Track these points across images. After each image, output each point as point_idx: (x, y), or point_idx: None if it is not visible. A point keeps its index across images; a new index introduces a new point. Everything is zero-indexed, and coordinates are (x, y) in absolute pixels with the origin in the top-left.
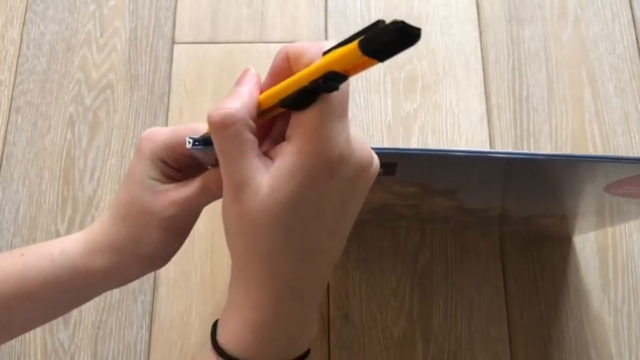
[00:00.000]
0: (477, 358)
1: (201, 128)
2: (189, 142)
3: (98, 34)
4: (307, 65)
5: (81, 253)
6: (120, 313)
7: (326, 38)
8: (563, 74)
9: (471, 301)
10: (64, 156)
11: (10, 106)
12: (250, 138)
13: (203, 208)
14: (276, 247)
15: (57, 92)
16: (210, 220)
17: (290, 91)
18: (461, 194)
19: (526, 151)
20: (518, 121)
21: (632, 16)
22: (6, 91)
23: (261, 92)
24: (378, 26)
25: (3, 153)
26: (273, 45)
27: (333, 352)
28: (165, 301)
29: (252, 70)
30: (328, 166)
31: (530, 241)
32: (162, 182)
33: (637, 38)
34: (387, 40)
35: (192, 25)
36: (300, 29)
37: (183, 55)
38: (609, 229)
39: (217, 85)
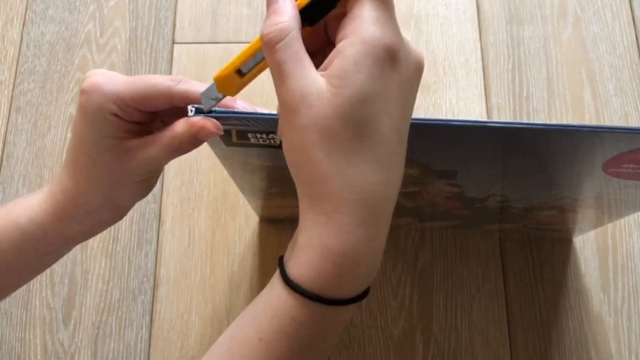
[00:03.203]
0: (477, 358)
1: (157, 80)
2: (192, 111)
3: (98, 34)
4: None
5: (52, 222)
6: (120, 313)
7: None
8: (563, 74)
9: (470, 301)
10: (64, 156)
11: (10, 106)
12: (303, 47)
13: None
14: (350, 153)
15: (57, 92)
16: (210, 219)
17: None
18: (460, 177)
19: (524, 121)
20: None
21: (632, 16)
22: (6, 91)
23: None
24: None
25: (3, 153)
26: None
27: (332, 352)
28: (166, 301)
29: None
30: (391, 53)
31: (530, 241)
32: (121, 138)
33: (637, 38)
34: None
35: (192, 25)
36: None
37: (184, 55)
38: (609, 230)
39: None
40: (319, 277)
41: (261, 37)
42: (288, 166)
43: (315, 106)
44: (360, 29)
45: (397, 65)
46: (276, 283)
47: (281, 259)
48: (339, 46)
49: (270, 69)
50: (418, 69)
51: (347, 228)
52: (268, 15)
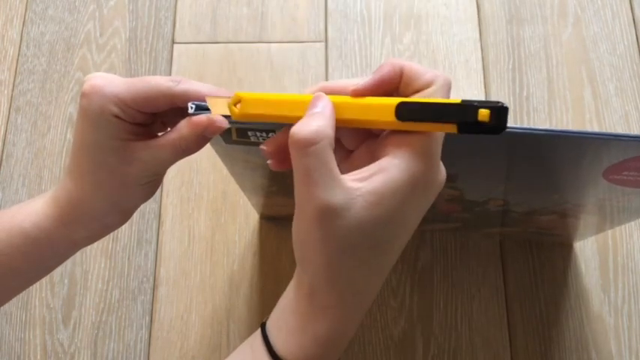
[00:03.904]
0: (477, 358)
1: (157, 81)
2: (192, 108)
3: (98, 34)
4: (420, 88)
5: (57, 227)
6: (120, 313)
7: (326, 38)
8: (563, 74)
9: (470, 301)
10: (63, 156)
11: (10, 106)
12: (333, 156)
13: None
14: (362, 261)
15: (57, 92)
16: (210, 219)
17: (384, 111)
18: (460, 180)
19: (524, 126)
20: (519, 121)
21: (632, 16)
22: (6, 91)
23: (357, 95)
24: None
25: (3, 153)
26: (273, 45)
27: None
28: (166, 301)
29: (327, 96)
30: (429, 185)
31: (530, 241)
32: (124, 140)
33: (637, 38)
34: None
35: (192, 25)
36: (300, 29)
37: (184, 55)
38: (609, 230)
39: (217, 85)
40: (307, 358)
41: (291, 135)
42: (294, 249)
43: (338, 219)
44: (410, 155)
45: (428, 192)
46: (258, 351)
47: (263, 326)
48: (386, 163)
49: (295, 169)
50: (440, 188)
51: (341, 322)
52: (307, 115)
